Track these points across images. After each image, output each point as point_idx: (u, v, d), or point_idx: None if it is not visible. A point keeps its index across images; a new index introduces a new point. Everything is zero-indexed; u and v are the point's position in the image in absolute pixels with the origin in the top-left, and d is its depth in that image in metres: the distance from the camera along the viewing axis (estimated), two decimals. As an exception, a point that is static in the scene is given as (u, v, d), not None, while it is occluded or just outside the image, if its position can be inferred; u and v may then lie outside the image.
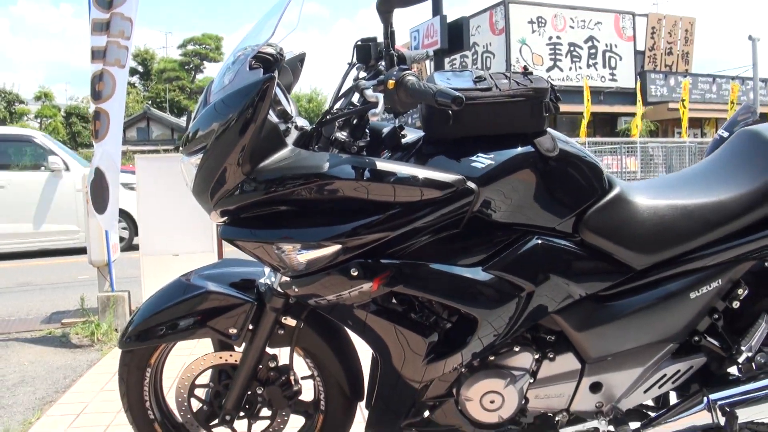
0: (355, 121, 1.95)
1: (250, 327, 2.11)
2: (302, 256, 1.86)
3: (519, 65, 26.30)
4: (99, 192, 4.98)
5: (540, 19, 27.33)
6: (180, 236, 5.22)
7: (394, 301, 1.99)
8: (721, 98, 30.02)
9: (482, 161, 1.86)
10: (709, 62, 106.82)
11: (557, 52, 27.76)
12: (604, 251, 1.96)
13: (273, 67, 1.92)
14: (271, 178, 1.84)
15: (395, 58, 1.93)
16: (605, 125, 29.63)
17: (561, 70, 27.75)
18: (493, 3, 27.63)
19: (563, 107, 26.75)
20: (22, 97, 41.86)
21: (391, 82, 1.79)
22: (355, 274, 1.84)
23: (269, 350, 2.18)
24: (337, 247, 1.83)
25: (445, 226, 1.86)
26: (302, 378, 2.26)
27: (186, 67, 49.17)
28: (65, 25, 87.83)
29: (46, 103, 41.50)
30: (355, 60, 2.11)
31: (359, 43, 2.08)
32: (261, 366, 2.18)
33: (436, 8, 15.61)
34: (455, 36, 14.86)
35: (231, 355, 2.21)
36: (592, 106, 26.87)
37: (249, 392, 2.19)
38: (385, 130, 2.04)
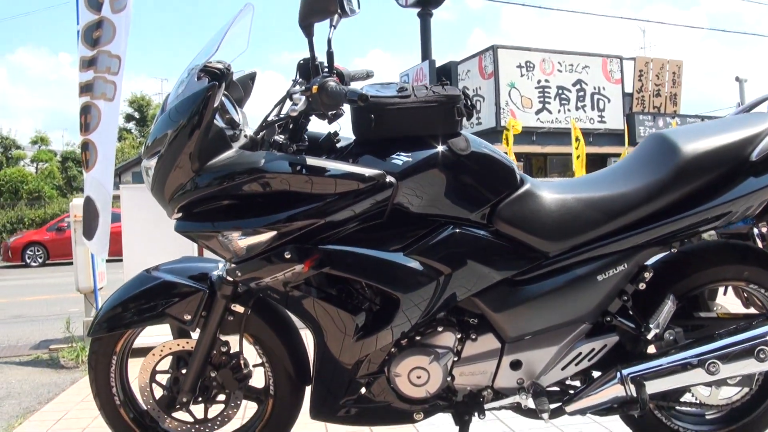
0: (291, 126, 2.21)
1: (203, 314, 2.34)
2: (243, 242, 2.11)
3: (509, 109, 26.76)
4: (88, 218, 5.17)
5: (528, 64, 27.75)
6: (162, 259, 5.41)
7: (327, 283, 2.23)
8: (710, 139, 30.27)
9: (401, 159, 2.12)
10: (696, 103, 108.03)
11: (546, 95, 28.13)
12: (517, 239, 2.20)
13: (220, 80, 2.18)
14: (216, 174, 2.10)
15: (325, 69, 2.19)
16: (595, 166, 29.66)
17: (550, 112, 28.09)
18: (482, 48, 28.15)
19: (553, 149, 27.18)
20: (19, 143, 42.20)
21: (314, 87, 2.06)
22: (288, 256, 2.10)
23: (222, 338, 2.40)
24: (273, 233, 2.09)
25: (371, 216, 2.11)
26: (254, 366, 2.47)
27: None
28: (63, 74, 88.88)
29: (42, 148, 41.83)
30: (298, 77, 2.37)
31: (301, 62, 2.34)
32: (215, 352, 2.39)
33: (425, 53, 16.00)
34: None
35: (188, 342, 2.42)
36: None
37: (204, 377, 2.40)
38: (322, 136, 2.30)
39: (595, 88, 29.14)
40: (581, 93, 28.84)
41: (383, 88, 2.23)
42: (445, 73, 14.80)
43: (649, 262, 2.31)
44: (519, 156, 21.30)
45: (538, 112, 27.83)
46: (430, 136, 2.16)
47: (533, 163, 28.74)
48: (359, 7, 2.35)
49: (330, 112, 2.17)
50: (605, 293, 2.25)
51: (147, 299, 2.35)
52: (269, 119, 2.25)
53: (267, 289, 2.21)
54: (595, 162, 29.89)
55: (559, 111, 28.25)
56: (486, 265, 2.18)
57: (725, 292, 2.58)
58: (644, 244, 2.24)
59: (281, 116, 2.22)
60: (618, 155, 26.34)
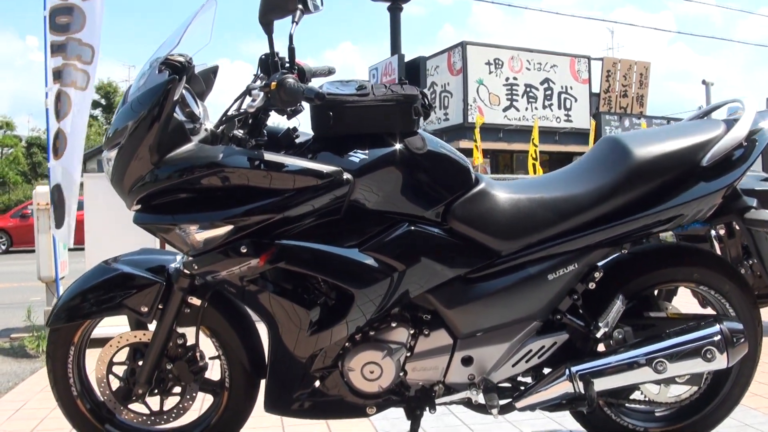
0: (250, 121, 2.23)
1: (160, 306, 2.35)
2: (200, 235, 2.14)
3: (476, 105, 26.89)
4: (60, 207, 5.15)
5: (497, 61, 27.90)
6: (124, 249, 5.39)
7: (283, 278, 2.25)
8: (674, 140, 30.64)
9: (359, 156, 2.15)
10: (663, 105, 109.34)
11: (514, 92, 28.30)
12: (470, 237, 2.24)
13: (181, 73, 2.19)
14: (175, 167, 2.12)
15: (286, 65, 2.22)
16: (560, 164, 29.88)
17: (517, 110, 28.28)
18: (452, 45, 28.22)
19: (520, 146, 27.31)
20: (-17, 128, 41.55)
21: (273, 84, 2.08)
22: (244, 251, 2.13)
23: (179, 330, 2.42)
24: (229, 227, 2.12)
25: (328, 212, 2.15)
26: (210, 358, 2.49)
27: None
28: (31, 58, 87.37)
29: (7, 133, 41.23)
30: (260, 72, 2.38)
31: (263, 56, 2.35)
32: (171, 344, 2.41)
33: (395, 47, 15.99)
34: (413, 75, 15.23)
35: (144, 334, 2.43)
36: (548, 146, 27.45)
37: (159, 369, 2.41)
38: (281, 132, 2.32)
39: (562, 87, 29.39)
40: (549, 92, 29.07)
41: (343, 85, 2.26)
42: (414, 68, 14.84)
43: (601, 262, 2.37)
44: (486, 152, 21.39)
45: (505, 110, 28.03)
46: (387, 134, 2.20)
47: (500, 160, 28.94)
48: (323, 4, 2.37)
49: (289, 109, 2.20)
50: (556, 292, 2.31)
51: (105, 290, 2.36)
52: (229, 113, 2.27)
53: (223, 282, 2.23)
54: (560, 161, 30.13)
55: (526, 109, 28.46)
56: (440, 262, 2.22)
57: (675, 293, 2.64)
58: (595, 245, 2.30)
59: (241, 111, 2.24)
60: (583, 154, 26.50)
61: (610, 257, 2.42)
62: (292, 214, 2.13)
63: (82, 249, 5.37)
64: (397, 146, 2.19)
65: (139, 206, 2.21)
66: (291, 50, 2.25)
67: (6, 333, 5.92)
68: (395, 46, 16.11)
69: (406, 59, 15.14)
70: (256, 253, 2.13)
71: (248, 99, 2.21)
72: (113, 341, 2.44)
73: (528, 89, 28.61)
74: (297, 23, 2.26)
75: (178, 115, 2.18)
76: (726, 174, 2.30)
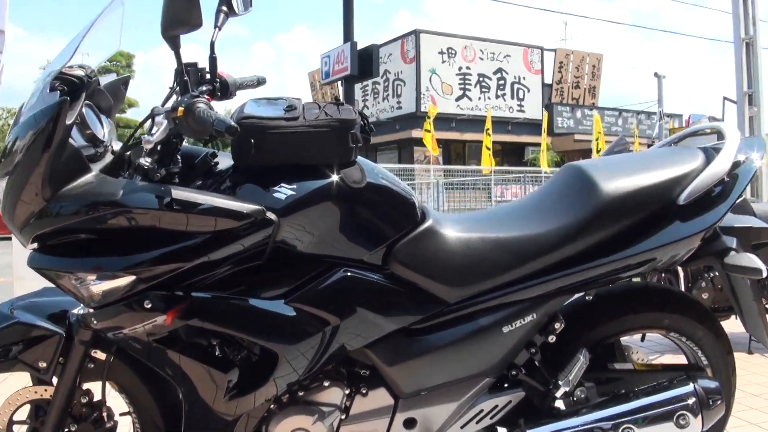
0: (159, 147, 1.88)
1: (61, 360, 2.01)
2: (97, 287, 1.78)
3: (429, 94, 26.70)
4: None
5: (450, 50, 27.79)
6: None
7: (196, 334, 1.92)
8: (627, 131, 30.88)
9: (284, 191, 1.81)
10: (615, 97, 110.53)
11: (467, 82, 28.24)
12: (415, 284, 1.94)
13: (78, 91, 1.84)
14: (69, 204, 1.76)
15: (188, 84, 1.87)
16: (513, 154, 30.19)
17: (470, 99, 28.24)
18: (405, 32, 28.01)
19: (472, 136, 27.31)
20: None
21: (180, 110, 1.74)
22: (149, 306, 1.78)
23: (84, 386, 2.08)
24: (131, 278, 1.76)
25: (248, 257, 1.81)
26: (121, 414, 2.16)
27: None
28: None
29: None
30: (176, 86, 2.04)
31: (178, 69, 2.01)
32: (75, 402, 2.07)
33: (347, 35, 15.75)
34: (365, 63, 15.01)
35: (46, 390, 2.09)
36: (501, 136, 27.41)
37: (63, 430, 2.08)
38: (199, 155, 1.99)
39: (515, 78, 29.49)
40: (502, 81, 29.14)
41: (269, 105, 1.92)
42: (368, 56, 14.54)
43: (561, 309, 2.09)
44: (438, 142, 21.22)
45: (458, 99, 28.00)
46: (319, 164, 1.87)
47: (452, 149, 28.84)
48: (251, 4, 2.05)
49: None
50: (511, 345, 2.01)
51: None
52: (136, 136, 1.92)
53: (128, 338, 1.89)
54: (513, 150, 30.30)
55: (479, 98, 28.49)
56: (380, 313, 1.91)
57: (642, 339, 2.38)
58: (556, 292, 2.01)
59: (146, 137, 1.88)
60: (536, 144, 26.67)
61: (569, 305, 2.13)
62: (206, 262, 1.78)
63: (9, 239, 4.94)
64: (331, 179, 1.85)
65: (35, 245, 1.85)
66: (212, 60, 1.94)
67: None
68: (348, 34, 15.83)
69: (360, 45, 14.84)
70: (163, 309, 1.79)
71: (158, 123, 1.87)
72: (12, 397, 2.09)
73: (481, 79, 28.61)
74: (220, 28, 1.95)
75: (75, 140, 1.82)
76: (705, 214, 2.02)
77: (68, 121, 1.76)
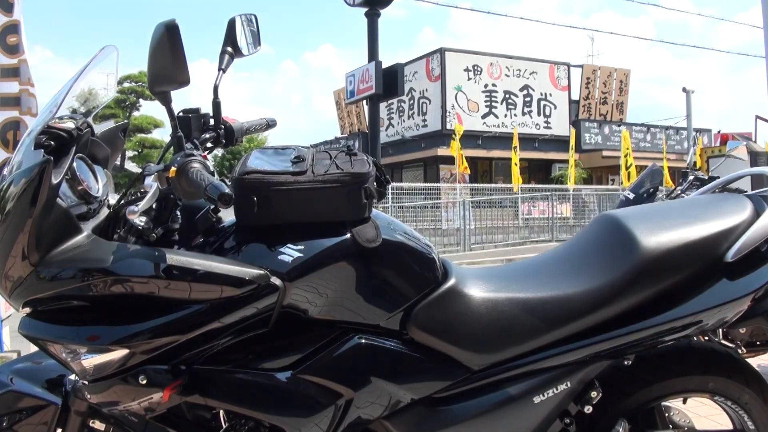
0: (154, 206, 1.72)
1: (58, 431, 1.86)
2: (88, 361, 1.61)
3: (455, 112, 26.56)
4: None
5: (476, 67, 27.67)
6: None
7: (196, 409, 1.76)
8: (655, 147, 30.57)
9: (291, 253, 1.64)
10: (643, 112, 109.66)
11: (493, 99, 28.10)
12: (437, 350, 1.76)
13: (68, 145, 1.70)
14: (58, 270, 1.60)
15: (183, 140, 1.70)
16: (540, 171, 29.98)
17: (496, 117, 28.08)
18: (430, 51, 27.95)
19: (499, 153, 27.13)
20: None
21: (172, 170, 1.58)
22: (144, 382, 1.61)
23: None
24: (125, 351, 1.59)
25: (252, 325, 1.64)
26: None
27: (122, 105, 48.22)
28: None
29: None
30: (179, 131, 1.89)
31: (180, 114, 1.86)
32: None
33: (372, 54, 15.67)
34: (390, 82, 14.91)
35: None
36: (528, 153, 27.20)
37: None
38: (200, 213, 1.83)
39: (541, 94, 29.29)
40: (528, 98, 28.93)
41: (276, 155, 1.76)
42: (392, 75, 14.41)
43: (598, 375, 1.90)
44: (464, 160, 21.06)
45: (484, 116, 27.84)
46: (328, 223, 1.71)
47: (478, 167, 28.66)
48: (260, 43, 1.91)
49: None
50: (543, 417, 1.83)
51: None
52: (129, 194, 1.77)
53: (125, 414, 1.73)
54: (540, 167, 30.05)
55: (505, 116, 28.32)
56: (398, 383, 1.74)
57: (684, 401, 2.18)
58: (592, 357, 1.83)
59: (139, 197, 1.73)
60: (563, 161, 26.42)
61: (606, 372, 1.93)
62: (205, 333, 1.61)
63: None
64: (342, 238, 1.68)
65: (28, 309, 1.70)
66: (216, 105, 1.81)
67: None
68: (372, 53, 15.74)
69: (386, 63, 14.69)
70: (160, 385, 1.61)
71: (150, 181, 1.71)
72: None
73: (507, 96, 28.44)
74: (224, 71, 1.81)
75: (66, 198, 1.67)
76: (756, 271, 1.83)
77: (55, 181, 1.59)
